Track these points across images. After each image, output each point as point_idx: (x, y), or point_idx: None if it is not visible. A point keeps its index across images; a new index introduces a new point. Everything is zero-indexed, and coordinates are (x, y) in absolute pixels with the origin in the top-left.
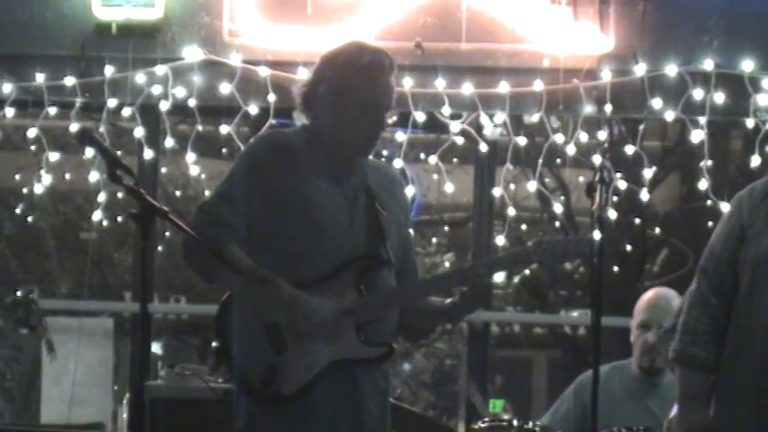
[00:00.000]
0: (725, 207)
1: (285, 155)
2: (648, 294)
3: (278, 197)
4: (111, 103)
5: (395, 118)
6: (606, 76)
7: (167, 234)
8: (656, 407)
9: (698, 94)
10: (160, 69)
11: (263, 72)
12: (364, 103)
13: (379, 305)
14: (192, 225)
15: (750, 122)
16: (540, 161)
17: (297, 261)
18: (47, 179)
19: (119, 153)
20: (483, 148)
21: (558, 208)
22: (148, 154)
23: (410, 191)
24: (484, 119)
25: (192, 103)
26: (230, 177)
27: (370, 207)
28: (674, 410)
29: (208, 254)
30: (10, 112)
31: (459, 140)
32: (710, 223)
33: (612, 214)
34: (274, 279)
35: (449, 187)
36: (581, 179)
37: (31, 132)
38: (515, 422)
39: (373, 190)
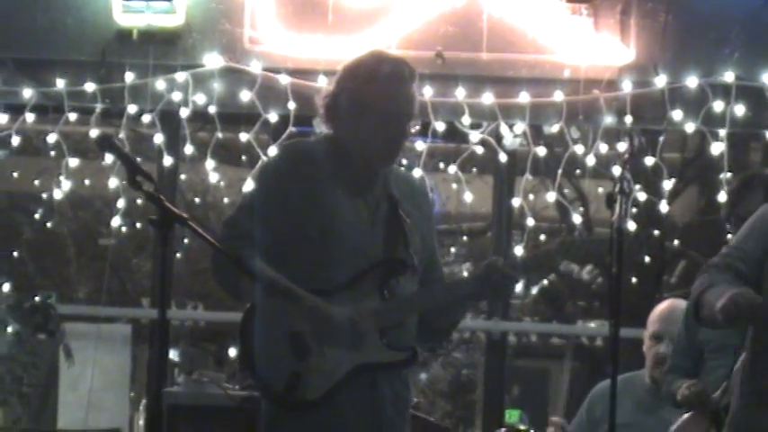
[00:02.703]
0: None
1: (306, 165)
2: (661, 306)
3: (299, 207)
4: (131, 109)
5: (418, 127)
6: (626, 87)
7: (186, 241)
8: (670, 417)
9: (718, 105)
10: (180, 76)
11: (284, 80)
12: (386, 113)
13: (402, 309)
14: (218, 242)
15: None
16: (560, 172)
17: (318, 269)
18: (66, 185)
19: (138, 159)
20: (502, 158)
21: (576, 219)
22: (168, 160)
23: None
24: (504, 129)
25: (211, 110)
26: (252, 190)
27: (393, 215)
28: (679, 422)
29: (235, 269)
30: (30, 117)
31: (479, 150)
32: (729, 236)
33: (631, 226)
34: (296, 290)
35: (468, 197)
36: (600, 190)
37: (51, 138)
38: None
39: (396, 198)
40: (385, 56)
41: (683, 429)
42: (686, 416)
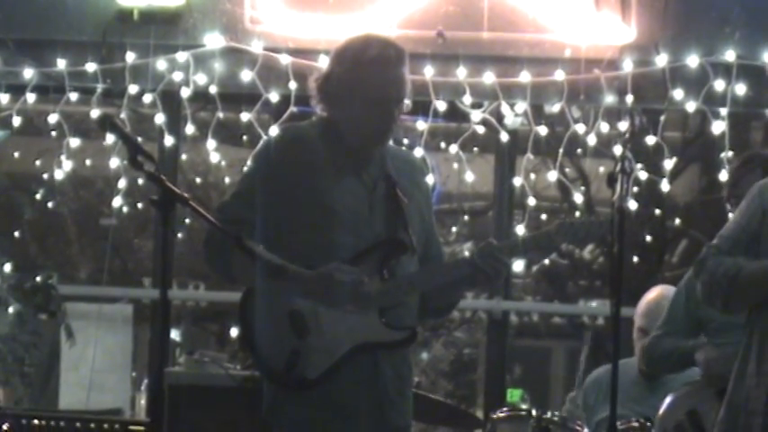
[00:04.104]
0: None
1: (299, 148)
2: (649, 296)
3: (294, 191)
4: (133, 89)
5: (409, 105)
6: (627, 66)
7: (187, 221)
8: (658, 404)
9: (719, 85)
10: (181, 56)
11: (285, 60)
12: (373, 97)
13: (401, 290)
14: (211, 229)
15: None
16: (561, 151)
17: (317, 251)
18: (67, 165)
19: (139, 139)
20: (504, 137)
21: (578, 198)
22: (169, 140)
23: (430, 179)
24: (505, 108)
25: (212, 89)
26: (246, 176)
27: (391, 194)
28: (665, 403)
29: (229, 252)
30: (31, 97)
31: (480, 129)
32: (730, 215)
33: (632, 205)
34: (293, 267)
35: (469, 176)
36: (601, 169)
37: (52, 118)
38: (534, 412)
39: (393, 177)
40: (373, 39)
41: (686, 398)
42: (685, 390)
